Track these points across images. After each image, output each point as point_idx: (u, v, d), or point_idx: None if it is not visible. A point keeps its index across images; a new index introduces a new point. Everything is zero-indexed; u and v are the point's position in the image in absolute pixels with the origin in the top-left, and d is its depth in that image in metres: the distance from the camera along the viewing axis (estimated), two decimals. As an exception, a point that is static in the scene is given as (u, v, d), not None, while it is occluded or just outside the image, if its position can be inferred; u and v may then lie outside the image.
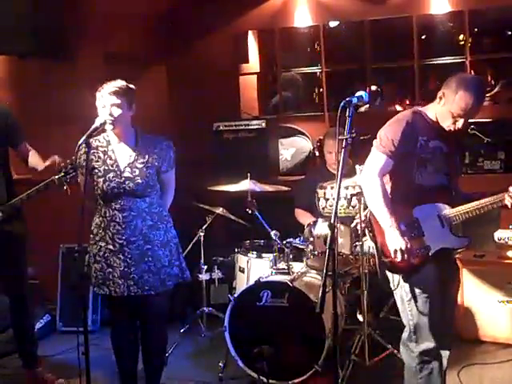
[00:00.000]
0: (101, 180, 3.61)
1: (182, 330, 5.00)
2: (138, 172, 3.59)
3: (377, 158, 3.36)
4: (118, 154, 3.64)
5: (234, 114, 6.56)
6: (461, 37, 6.45)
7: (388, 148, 3.32)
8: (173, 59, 6.67)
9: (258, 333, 4.23)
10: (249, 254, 4.76)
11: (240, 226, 5.16)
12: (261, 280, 4.35)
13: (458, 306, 4.76)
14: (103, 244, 3.65)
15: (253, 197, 4.82)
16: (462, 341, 4.66)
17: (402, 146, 3.32)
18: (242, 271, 4.77)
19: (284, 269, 4.50)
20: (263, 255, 4.73)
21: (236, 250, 4.93)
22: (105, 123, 3.52)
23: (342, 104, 2.99)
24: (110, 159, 3.63)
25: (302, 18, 6.38)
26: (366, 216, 3.52)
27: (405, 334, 3.48)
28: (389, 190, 3.42)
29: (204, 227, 5.13)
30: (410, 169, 3.38)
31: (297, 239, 4.69)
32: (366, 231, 3.52)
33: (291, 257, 4.58)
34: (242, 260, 4.82)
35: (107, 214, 3.64)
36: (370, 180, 3.35)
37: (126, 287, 3.61)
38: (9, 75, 5.89)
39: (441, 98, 3.34)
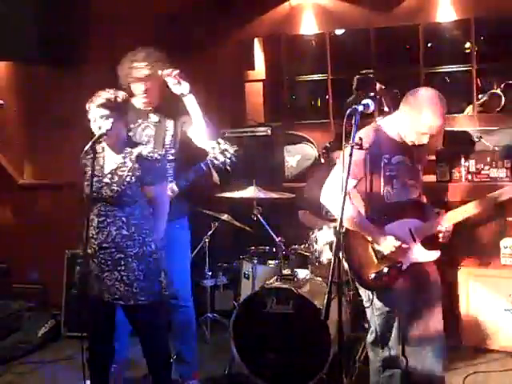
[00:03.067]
0: (85, 184, 3.62)
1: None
2: (116, 179, 3.56)
3: (336, 174, 3.32)
4: (106, 160, 3.64)
5: (240, 121, 6.57)
6: (467, 45, 6.45)
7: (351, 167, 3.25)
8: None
9: (262, 339, 4.23)
10: (254, 261, 4.76)
11: (245, 233, 5.16)
12: (266, 286, 4.34)
13: (463, 314, 4.78)
14: (87, 246, 3.62)
15: (258, 203, 4.82)
16: (467, 349, 4.65)
17: (362, 166, 3.32)
18: (247, 277, 4.76)
19: (289, 275, 4.49)
20: (268, 262, 4.73)
21: (241, 256, 4.94)
22: (111, 129, 3.52)
23: (348, 112, 3.01)
24: (98, 165, 3.63)
25: (308, 25, 6.38)
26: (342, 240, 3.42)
27: (371, 337, 3.59)
28: (362, 210, 3.42)
29: (209, 233, 5.13)
30: (378, 187, 3.39)
31: (302, 246, 4.69)
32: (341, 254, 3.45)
33: (296, 263, 4.57)
34: (246, 266, 4.81)
35: (89, 218, 3.62)
36: (333, 196, 3.31)
37: (99, 292, 3.57)
38: (15, 80, 5.93)
39: (403, 116, 3.36)
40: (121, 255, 3.55)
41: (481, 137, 5.24)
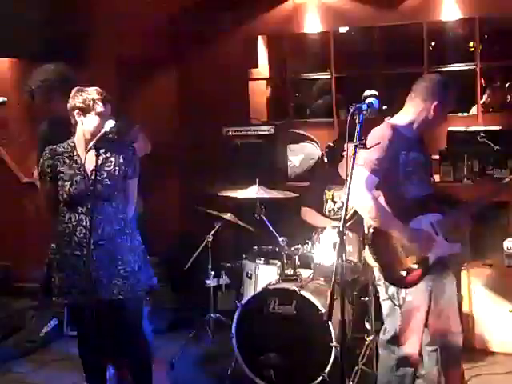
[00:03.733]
0: (67, 184, 3.57)
1: (189, 336, 5.01)
2: (106, 174, 3.58)
3: (360, 174, 3.31)
4: (86, 157, 3.56)
5: (243, 119, 6.55)
6: (471, 43, 6.42)
7: (371, 166, 3.32)
8: (183, 64, 6.67)
9: (265, 340, 4.22)
10: (256, 261, 4.75)
11: (248, 232, 5.14)
12: (268, 287, 4.33)
13: (468, 316, 4.76)
14: (69, 251, 3.58)
15: (261, 203, 4.81)
16: (471, 351, 4.63)
17: (385, 163, 3.33)
18: (250, 277, 4.75)
19: (292, 276, 4.48)
20: (271, 261, 4.72)
21: (244, 255, 4.92)
22: (114, 127, 3.50)
23: (351, 110, 3.00)
24: (76, 163, 3.60)
25: (312, 23, 6.37)
26: (368, 238, 3.46)
27: (387, 335, 3.56)
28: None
29: (212, 233, 5.12)
30: (398, 184, 3.41)
31: (305, 246, 4.68)
32: (368, 252, 3.47)
33: (299, 263, 4.57)
34: (249, 266, 4.80)
35: (72, 219, 3.57)
36: (359, 196, 3.33)
37: (93, 293, 3.46)
38: (21, 78, 5.90)
39: (417, 107, 3.43)
40: (118, 249, 3.58)
41: (484, 136, 5.22)
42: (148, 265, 3.77)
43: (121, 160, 3.63)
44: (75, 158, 3.62)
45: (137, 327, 3.79)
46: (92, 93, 3.57)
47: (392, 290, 3.48)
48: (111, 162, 3.62)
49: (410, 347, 3.50)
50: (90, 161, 3.56)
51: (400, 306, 3.46)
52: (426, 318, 3.49)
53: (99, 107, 3.54)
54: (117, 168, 3.62)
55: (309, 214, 5.12)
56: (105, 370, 3.82)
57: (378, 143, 3.27)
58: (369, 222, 3.43)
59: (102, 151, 3.53)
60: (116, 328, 3.70)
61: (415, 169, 3.43)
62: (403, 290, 3.44)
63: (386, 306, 3.55)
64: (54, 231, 3.66)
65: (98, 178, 3.52)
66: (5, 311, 5.27)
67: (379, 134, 3.39)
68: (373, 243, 3.42)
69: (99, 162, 3.48)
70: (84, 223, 3.54)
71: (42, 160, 3.64)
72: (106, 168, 3.60)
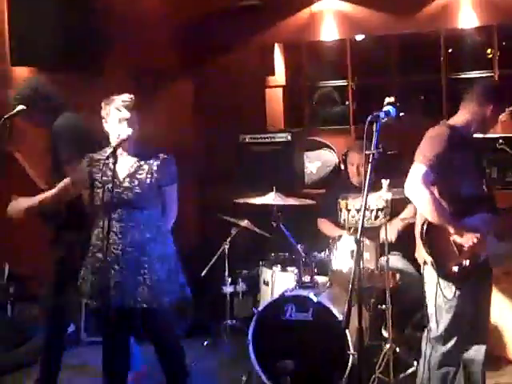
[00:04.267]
0: (100, 190, 3.62)
1: (205, 343, 5.02)
2: (137, 182, 3.58)
3: (419, 169, 3.41)
4: (118, 165, 3.59)
5: (260, 127, 6.57)
6: (488, 50, 6.40)
7: (428, 161, 3.39)
8: (199, 71, 6.70)
9: (281, 347, 4.21)
10: (273, 267, 4.74)
11: (265, 239, 5.15)
12: (285, 294, 4.33)
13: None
14: (100, 255, 3.61)
15: (278, 209, 4.81)
16: (489, 358, 4.58)
17: (442, 160, 3.39)
18: (267, 284, 4.75)
19: (309, 282, 4.48)
20: (288, 268, 4.71)
21: (260, 262, 4.92)
22: (132, 134, 3.56)
23: (369, 118, 3.00)
24: (110, 170, 3.60)
25: (329, 31, 6.38)
26: (423, 233, 3.52)
27: (433, 333, 3.56)
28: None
29: (229, 239, 5.13)
30: (452, 182, 3.47)
31: (322, 253, 4.67)
32: (421, 245, 3.53)
33: (316, 270, 4.56)
34: (266, 273, 4.80)
35: (105, 225, 3.57)
36: (418, 191, 3.41)
37: (119, 299, 3.54)
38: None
39: (474, 111, 3.52)
40: (145, 258, 3.57)
41: (503, 143, 5.18)
42: (180, 275, 3.72)
43: (154, 167, 3.61)
44: (110, 165, 3.62)
45: (164, 336, 3.77)
46: (113, 100, 3.60)
47: (439, 286, 3.49)
48: (144, 169, 3.61)
49: (453, 346, 3.53)
50: (122, 168, 3.61)
51: (449, 302, 3.49)
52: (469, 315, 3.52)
53: (119, 114, 3.57)
54: (149, 176, 3.60)
55: (324, 225, 5.13)
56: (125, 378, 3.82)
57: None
58: (424, 216, 3.49)
59: (137, 159, 3.59)
60: (147, 336, 3.75)
61: (469, 168, 3.49)
62: (449, 291, 3.47)
63: (431, 305, 3.56)
64: (92, 235, 3.71)
65: (128, 185, 3.58)
66: (20, 317, 5.28)
67: (437, 132, 3.47)
68: (427, 237, 3.47)
69: (131, 169, 3.57)
70: (114, 229, 3.58)
71: (81, 167, 3.68)
72: (138, 176, 3.60)
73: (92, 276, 3.65)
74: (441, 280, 3.48)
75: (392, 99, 3.14)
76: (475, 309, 3.55)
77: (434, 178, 3.44)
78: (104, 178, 3.61)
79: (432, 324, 3.58)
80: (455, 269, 3.41)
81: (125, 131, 3.55)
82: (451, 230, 3.42)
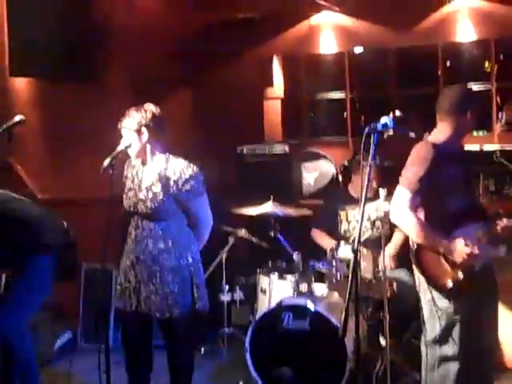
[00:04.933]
0: (124, 196, 3.70)
1: (202, 351, 5.02)
2: (151, 195, 3.58)
3: (403, 195, 3.44)
4: (144, 175, 3.68)
5: (258, 138, 6.60)
6: (486, 64, 6.46)
7: (412, 185, 3.40)
8: (198, 82, 6.74)
9: (279, 355, 4.22)
10: (271, 275, 4.75)
11: (262, 248, 5.17)
12: (282, 302, 4.34)
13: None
14: (124, 258, 3.73)
15: (275, 219, 4.83)
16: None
17: (427, 181, 3.39)
18: (264, 292, 4.76)
19: (306, 291, 4.49)
20: (285, 276, 4.72)
21: (258, 270, 4.93)
22: (129, 146, 3.60)
23: (366, 130, 3.03)
24: (137, 178, 3.69)
25: (328, 44, 6.44)
26: (413, 253, 3.57)
27: (427, 337, 3.58)
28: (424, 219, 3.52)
29: (226, 249, 5.15)
30: (439, 199, 3.47)
31: (319, 262, 4.68)
32: (414, 266, 3.57)
33: (313, 279, 4.57)
34: (263, 281, 4.81)
35: (129, 230, 3.71)
36: (403, 216, 3.46)
37: (137, 304, 3.63)
38: (37, 97, 5.99)
39: (450, 122, 3.49)
40: (157, 268, 3.59)
41: (500, 156, 5.23)
42: (197, 287, 3.68)
43: (171, 182, 3.57)
44: (139, 172, 3.69)
45: (175, 346, 3.75)
46: (128, 113, 3.64)
47: (432, 296, 3.51)
48: (162, 182, 3.58)
49: (450, 348, 3.53)
50: (147, 178, 3.64)
51: (441, 310, 3.50)
52: (470, 319, 3.51)
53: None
54: (165, 190, 3.57)
55: (318, 236, 5.14)
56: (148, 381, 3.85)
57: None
58: (413, 239, 3.52)
59: (159, 171, 3.60)
60: (167, 343, 3.76)
61: (457, 183, 3.48)
62: (444, 301, 3.47)
63: (426, 310, 3.58)
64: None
65: (143, 197, 3.60)
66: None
67: (421, 154, 3.45)
68: (418, 258, 3.51)
69: (150, 181, 3.59)
70: (132, 236, 3.67)
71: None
72: (154, 189, 3.58)
73: (119, 279, 3.75)
74: (434, 292, 3.50)
75: (398, 113, 3.16)
76: (476, 314, 3.52)
77: (419, 200, 3.46)
78: (130, 185, 3.70)
79: (427, 327, 3.60)
80: (450, 284, 3.42)
81: (122, 143, 3.60)
82: (441, 250, 3.42)
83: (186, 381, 3.83)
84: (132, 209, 3.65)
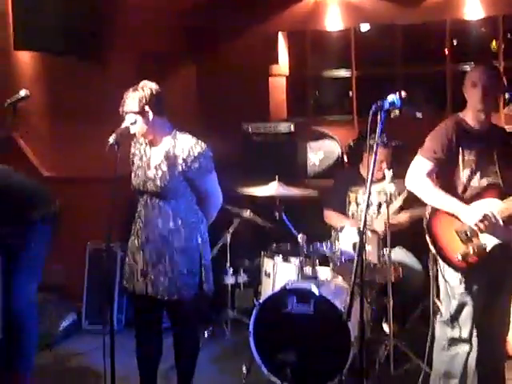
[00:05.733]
0: (133, 174, 3.66)
1: (206, 334, 5.02)
2: (160, 174, 3.54)
3: (421, 163, 3.54)
4: (152, 152, 3.63)
5: (263, 116, 6.54)
6: (494, 42, 6.37)
7: (431, 154, 3.50)
8: (202, 59, 6.67)
9: (282, 339, 4.20)
10: (275, 258, 4.71)
11: (267, 230, 5.14)
12: (287, 286, 4.31)
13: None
14: (133, 238, 3.69)
15: (280, 200, 4.79)
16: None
17: (444, 153, 3.48)
18: (268, 276, 4.73)
19: (310, 274, 4.46)
20: (289, 259, 4.69)
21: (262, 253, 4.89)
22: (134, 123, 3.52)
23: (373, 108, 2.97)
24: (145, 156, 3.64)
25: (333, 20, 6.35)
26: (426, 223, 3.59)
27: (442, 316, 3.63)
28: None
29: (231, 230, 5.12)
30: (456, 173, 3.51)
31: (323, 244, 4.64)
32: (427, 237, 3.57)
33: (318, 262, 4.55)
34: (268, 264, 4.78)
35: (137, 209, 3.68)
36: (419, 182, 3.54)
37: (144, 286, 3.60)
38: (42, 72, 5.94)
39: (467, 99, 3.56)
40: (166, 248, 3.56)
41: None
42: (205, 269, 3.67)
43: (180, 160, 3.52)
44: (147, 150, 3.65)
45: (183, 329, 3.75)
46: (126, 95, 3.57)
47: (448, 277, 3.54)
48: (170, 160, 3.54)
49: (461, 331, 3.55)
50: (156, 156, 3.60)
51: (453, 289, 3.52)
52: (481, 302, 3.52)
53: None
54: (173, 168, 3.53)
55: (333, 217, 5.05)
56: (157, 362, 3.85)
57: None
58: (429, 205, 3.56)
59: (167, 149, 3.55)
60: (172, 321, 3.76)
61: (478, 160, 3.50)
62: (454, 278, 3.49)
63: (442, 288, 3.63)
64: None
65: (152, 175, 3.56)
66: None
67: (442, 126, 3.57)
68: (430, 228, 3.54)
69: (159, 159, 3.54)
70: (141, 216, 3.64)
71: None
72: (163, 167, 3.54)
73: (127, 257, 3.72)
74: (446, 267, 3.52)
75: (404, 94, 3.10)
76: (489, 299, 3.53)
77: (436, 171, 3.53)
78: (138, 163, 3.66)
79: (442, 308, 3.67)
80: (459, 257, 3.42)
81: (126, 121, 3.53)
82: (457, 212, 3.44)
83: (191, 363, 3.82)
84: (141, 187, 3.61)
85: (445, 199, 3.48)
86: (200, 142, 3.59)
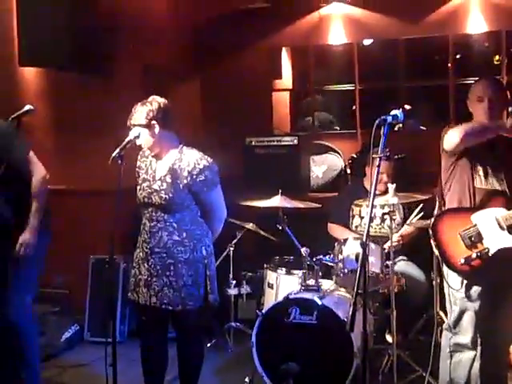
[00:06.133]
0: (138, 187, 3.70)
1: (208, 345, 5.02)
2: (165, 186, 3.58)
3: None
4: (158, 165, 3.68)
5: (267, 130, 6.57)
6: (496, 57, 6.40)
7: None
8: (207, 73, 6.71)
9: (285, 349, 4.19)
10: (278, 270, 4.72)
11: (270, 242, 5.15)
12: (289, 296, 4.32)
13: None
14: (138, 250, 3.73)
15: (284, 213, 4.80)
16: None
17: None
18: (271, 287, 4.74)
19: (313, 286, 4.47)
20: (292, 271, 4.70)
21: (265, 265, 4.90)
22: (138, 137, 3.57)
23: (376, 122, 3.00)
24: (151, 169, 3.69)
25: (337, 35, 6.39)
26: (431, 227, 3.60)
27: (446, 324, 3.66)
28: (447, 196, 3.63)
29: (234, 242, 5.13)
30: (466, 171, 3.53)
31: (327, 256, 4.65)
32: (431, 241, 3.59)
33: (320, 274, 4.55)
34: (270, 276, 4.79)
35: (142, 222, 3.71)
36: (458, 130, 3.45)
37: (148, 297, 3.63)
38: (47, 87, 5.97)
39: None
40: (171, 260, 3.59)
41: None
42: (210, 280, 3.70)
43: (185, 173, 3.56)
44: (153, 163, 3.69)
45: (187, 339, 3.77)
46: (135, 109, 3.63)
47: (451, 282, 3.56)
48: (175, 173, 3.58)
49: (463, 337, 3.57)
50: (160, 169, 3.65)
51: (454, 295, 3.56)
52: (484, 308, 3.53)
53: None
54: (178, 182, 3.57)
55: (338, 230, 5.09)
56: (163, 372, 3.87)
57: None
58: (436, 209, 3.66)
59: (173, 162, 3.60)
60: (177, 331, 3.79)
61: (485, 161, 3.53)
62: (456, 282, 3.51)
63: (446, 295, 3.65)
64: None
65: (157, 188, 3.59)
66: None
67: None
68: (434, 231, 3.55)
69: (164, 172, 3.57)
70: (146, 228, 3.67)
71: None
72: (168, 180, 3.58)
73: (132, 269, 3.76)
74: (449, 272, 3.55)
75: (408, 107, 3.14)
76: (492, 305, 3.53)
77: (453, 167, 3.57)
78: (144, 176, 3.70)
79: (448, 312, 3.68)
80: (461, 260, 3.43)
81: (131, 134, 3.58)
82: (495, 130, 3.44)
83: (195, 374, 3.83)
84: (146, 200, 3.64)
85: (478, 128, 3.46)
86: (206, 156, 3.64)
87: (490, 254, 3.43)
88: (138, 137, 3.57)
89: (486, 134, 3.46)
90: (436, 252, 3.57)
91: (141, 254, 3.69)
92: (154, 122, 3.56)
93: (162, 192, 3.58)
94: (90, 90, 5.82)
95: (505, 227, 3.45)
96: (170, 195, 3.56)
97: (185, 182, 3.56)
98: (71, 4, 5.43)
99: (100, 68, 5.73)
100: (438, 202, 3.82)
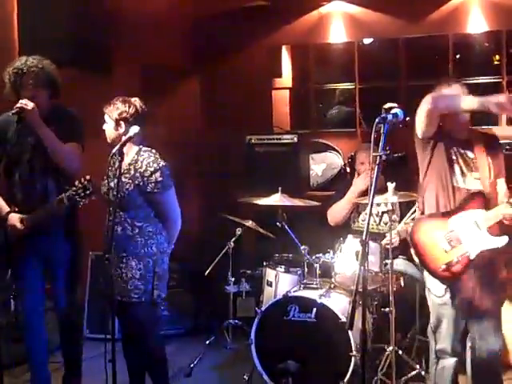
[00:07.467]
0: (103, 182, 3.82)
1: (207, 342, 5.02)
2: (119, 185, 3.63)
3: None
4: (119, 164, 3.66)
5: (267, 128, 6.58)
6: (497, 57, 6.40)
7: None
8: (207, 72, 6.72)
9: (284, 347, 4.21)
10: (277, 268, 4.73)
11: (269, 240, 5.16)
12: (289, 294, 4.33)
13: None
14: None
15: (283, 211, 4.81)
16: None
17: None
18: (270, 285, 4.74)
19: (312, 284, 4.47)
20: (291, 269, 4.71)
21: (264, 263, 4.91)
22: (138, 133, 3.63)
23: (376, 120, 3.00)
24: (114, 167, 3.77)
25: (337, 34, 6.40)
26: (406, 233, 3.67)
27: (429, 329, 3.64)
28: (425, 194, 3.58)
29: (233, 239, 5.14)
30: (442, 170, 3.50)
31: (326, 255, 4.66)
32: (412, 248, 3.58)
33: (320, 272, 4.56)
34: (270, 274, 4.79)
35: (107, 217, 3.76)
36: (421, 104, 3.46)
37: (107, 289, 3.64)
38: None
39: None
40: (123, 254, 3.69)
41: (510, 149, 5.19)
42: (160, 279, 3.76)
43: (138, 175, 3.67)
44: (116, 162, 3.72)
45: (139, 332, 3.82)
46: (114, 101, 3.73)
47: (429, 284, 3.54)
48: (130, 173, 3.69)
49: (443, 345, 3.56)
50: (120, 168, 3.64)
51: (432, 301, 3.55)
52: (466, 312, 3.51)
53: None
54: (129, 182, 3.67)
55: (333, 208, 5.10)
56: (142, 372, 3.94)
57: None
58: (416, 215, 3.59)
59: (130, 161, 3.68)
60: (124, 329, 3.90)
61: (460, 161, 3.51)
62: (439, 289, 3.49)
63: (428, 298, 3.63)
64: None
65: (113, 186, 3.67)
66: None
67: None
68: (412, 239, 3.53)
69: (121, 169, 3.59)
70: (106, 222, 3.70)
71: (111, 161, 3.78)
72: (123, 179, 3.66)
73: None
74: (430, 278, 3.52)
75: (393, 105, 3.14)
76: (476, 310, 3.50)
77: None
78: (109, 173, 3.80)
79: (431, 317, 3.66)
80: (442, 267, 3.42)
81: (130, 131, 3.65)
82: (484, 103, 3.26)
83: (161, 371, 3.90)
84: (106, 196, 3.79)
85: (456, 100, 3.41)
86: (160, 159, 3.73)
87: (471, 258, 3.41)
88: (137, 133, 3.62)
89: (459, 102, 3.37)
90: (417, 260, 3.55)
91: (104, 249, 3.70)
92: (122, 122, 3.69)
93: (116, 190, 3.62)
94: (91, 87, 5.81)
95: (483, 228, 3.42)
96: (122, 194, 3.65)
97: (136, 182, 3.67)
98: (71, 2, 5.43)
99: (100, 65, 5.73)
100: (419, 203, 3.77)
